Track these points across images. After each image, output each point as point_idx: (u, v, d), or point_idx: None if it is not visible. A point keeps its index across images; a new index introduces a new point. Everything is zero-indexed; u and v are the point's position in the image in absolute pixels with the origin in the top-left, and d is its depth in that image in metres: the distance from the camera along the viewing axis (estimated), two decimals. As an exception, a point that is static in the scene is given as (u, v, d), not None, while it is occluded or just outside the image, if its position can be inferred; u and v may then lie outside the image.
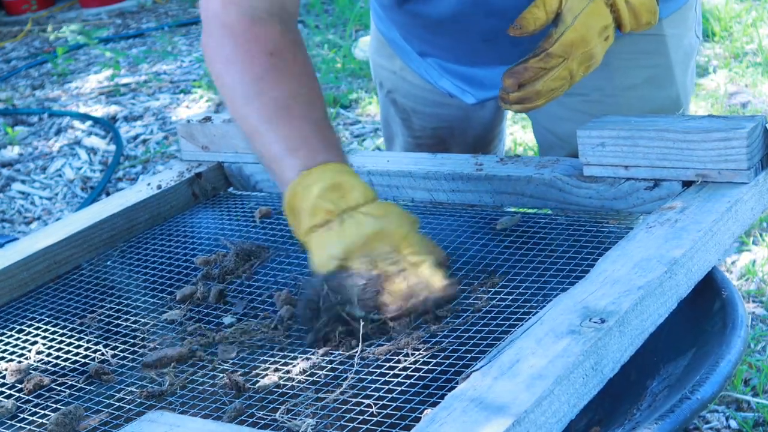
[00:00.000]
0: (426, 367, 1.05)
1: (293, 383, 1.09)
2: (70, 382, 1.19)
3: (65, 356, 1.24)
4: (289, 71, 1.29)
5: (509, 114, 2.00)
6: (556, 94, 1.34)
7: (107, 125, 4.29)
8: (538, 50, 1.30)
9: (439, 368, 1.04)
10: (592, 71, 1.36)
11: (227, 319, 1.28)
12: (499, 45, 1.47)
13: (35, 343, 1.28)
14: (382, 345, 1.12)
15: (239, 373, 1.13)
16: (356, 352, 1.11)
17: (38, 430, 1.09)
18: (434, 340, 1.11)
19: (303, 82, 1.30)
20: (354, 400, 1.02)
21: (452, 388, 0.92)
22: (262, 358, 1.16)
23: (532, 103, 1.33)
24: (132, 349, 1.24)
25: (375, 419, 0.97)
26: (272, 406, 1.04)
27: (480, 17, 1.46)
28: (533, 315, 1.01)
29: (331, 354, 1.13)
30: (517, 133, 3.50)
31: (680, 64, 1.59)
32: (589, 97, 1.58)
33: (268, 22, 1.30)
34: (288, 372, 1.11)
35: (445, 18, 1.48)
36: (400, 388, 1.02)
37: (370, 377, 1.06)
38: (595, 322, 0.95)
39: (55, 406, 1.14)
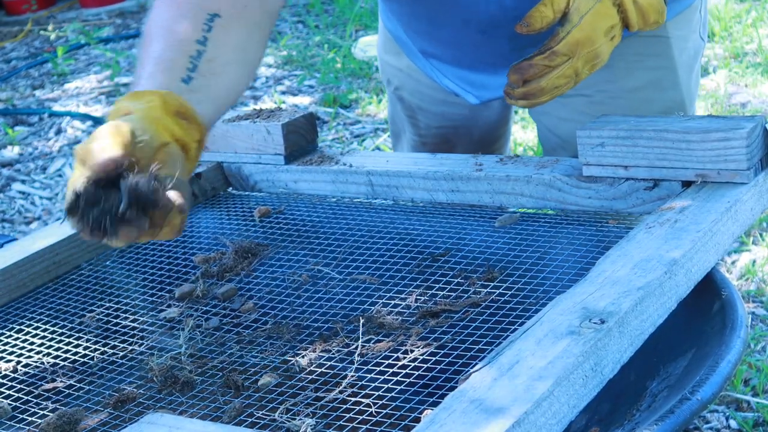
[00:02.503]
0: (425, 366, 1.05)
1: (292, 382, 1.09)
2: (69, 382, 1.19)
3: (64, 356, 1.24)
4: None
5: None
6: (560, 91, 1.34)
7: (107, 125, 4.28)
8: (543, 48, 1.31)
9: (439, 366, 1.04)
10: (597, 70, 1.36)
11: (225, 318, 1.28)
12: (497, 39, 1.47)
13: (34, 343, 1.28)
14: (381, 341, 1.12)
15: (238, 372, 1.13)
16: (355, 348, 1.11)
17: (36, 431, 1.09)
18: (433, 336, 1.11)
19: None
20: (353, 399, 1.02)
21: (452, 387, 0.92)
22: (260, 356, 1.16)
23: (536, 99, 1.34)
24: (131, 348, 1.24)
25: (374, 419, 0.97)
26: (271, 405, 1.04)
27: (480, 4, 1.46)
28: (532, 315, 1.01)
29: (330, 351, 1.13)
30: (518, 133, 3.50)
31: (684, 66, 1.59)
32: (592, 99, 1.58)
33: None
34: (287, 371, 1.11)
35: (445, 4, 1.48)
36: (399, 387, 1.02)
37: (369, 376, 1.06)
38: (594, 323, 0.95)
39: (54, 406, 1.14)
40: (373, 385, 1.05)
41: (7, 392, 1.18)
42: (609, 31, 1.32)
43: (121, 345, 1.26)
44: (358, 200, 1.51)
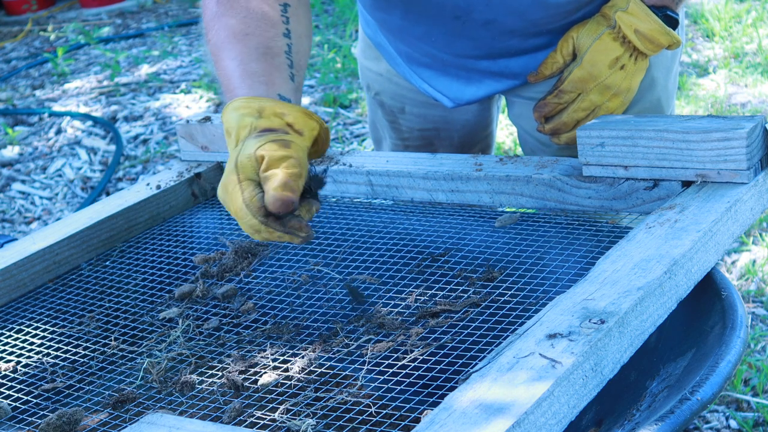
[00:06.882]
0: (425, 366, 1.05)
1: (292, 382, 1.09)
2: (69, 382, 1.19)
3: (64, 356, 1.24)
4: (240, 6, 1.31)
5: (501, 116, 2.02)
6: (584, 122, 1.44)
7: (107, 125, 4.28)
8: (552, 88, 1.45)
9: (439, 366, 1.04)
10: (619, 97, 1.46)
11: (225, 318, 1.28)
12: (471, 24, 1.47)
13: (34, 343, 1.28)
14: (381, 341, 1.12)
15: (238, 372, 1.13)
16: (355, 349, 1.11)
17: (36, 431, 1.09)
18: (433, 336, 1.11)
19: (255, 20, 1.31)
20: (353, 399, 1.02)
21: (452, 387, 0.92)
22: (260, 356, 1.16)
23: (564, 133, 1.47)
24: (131, 348, 1.24)
25: (375, 419, 0.97)
26: (271, 405, 1.04)
27: None
28: (532, 315, 1.01)
29: (330, 351, 1.13)
30: (517, 133, 3.49)
31: (660, 66, 1.58)
32: None
33: None
34: (287, 371, 1.11)
35: None
36: (399, 388, 1.02)
37: (369, 376, 1.06)
38: (594, 323, 0.95)
39: (53, 406, 1.14)
40: (373, 385, 1.05)
41: (7, 392, 1.18)
42: (614, 63, 1.42)
43: (121, 345, 1.26)
44: (358, 200, 1.51)
